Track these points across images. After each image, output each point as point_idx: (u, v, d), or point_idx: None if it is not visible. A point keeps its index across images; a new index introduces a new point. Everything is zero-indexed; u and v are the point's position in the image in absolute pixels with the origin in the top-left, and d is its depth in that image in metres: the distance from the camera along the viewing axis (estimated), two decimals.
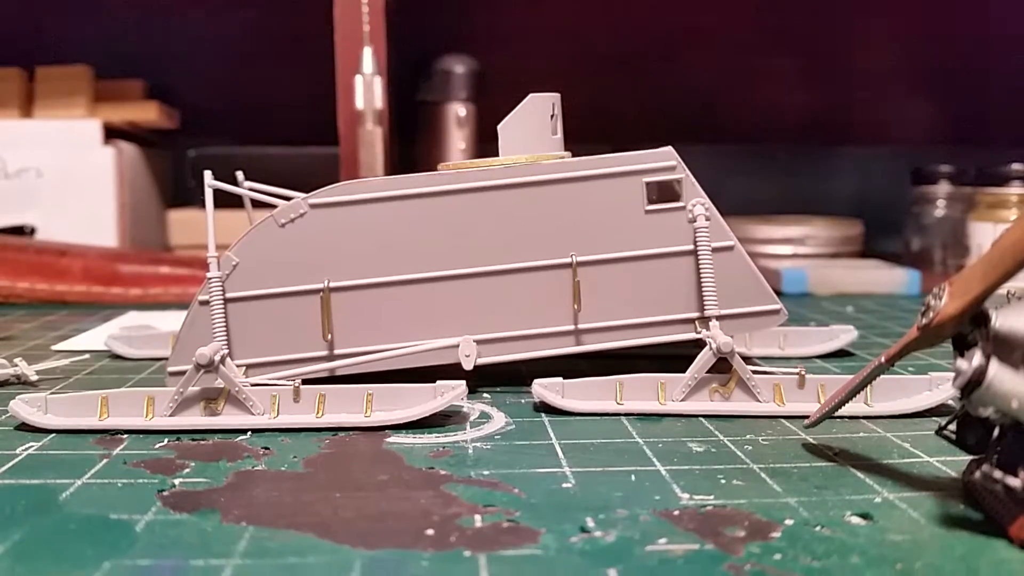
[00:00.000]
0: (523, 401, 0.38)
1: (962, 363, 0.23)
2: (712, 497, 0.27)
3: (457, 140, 0.87)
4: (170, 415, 0.34)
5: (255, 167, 0.91)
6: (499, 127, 0.39)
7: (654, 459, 0.30)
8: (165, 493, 0.28)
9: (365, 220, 0.38)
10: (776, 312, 0.40)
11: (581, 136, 1.01)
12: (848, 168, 1.11)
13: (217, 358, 0.34)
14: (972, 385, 0.22)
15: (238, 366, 0.39)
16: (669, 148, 0.39)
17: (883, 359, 0.28)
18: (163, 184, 0.99)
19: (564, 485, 0.28)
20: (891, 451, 0.31)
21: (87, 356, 0.45)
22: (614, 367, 0.38)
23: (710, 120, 1.05)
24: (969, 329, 0.24)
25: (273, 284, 0.39)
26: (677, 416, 0.36)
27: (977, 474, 0.24)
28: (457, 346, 0.39)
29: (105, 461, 0.30)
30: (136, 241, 0.91)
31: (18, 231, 0.86)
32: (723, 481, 0.28)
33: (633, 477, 0.29)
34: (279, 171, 0.92)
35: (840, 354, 0.47)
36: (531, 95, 0.39)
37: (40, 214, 0.89)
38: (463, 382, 0.35)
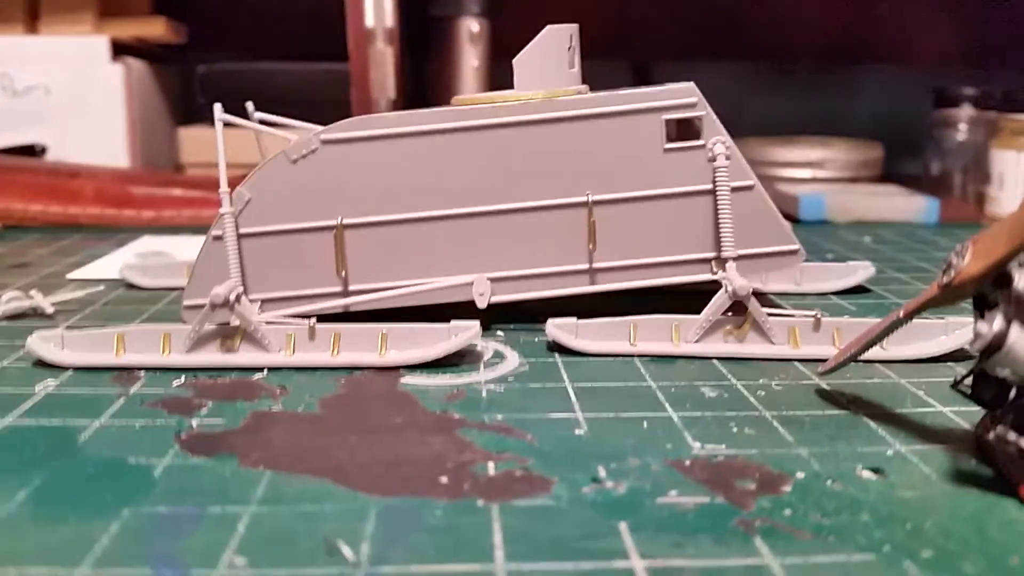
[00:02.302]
0: (536, 340, 0.38)
1: (982, 326, 0.22)
2: (724, 447, 0.27)
3: (470, 57, 0.85)
4: (186, 352, 0.35)
5: (265, 84, 0.91)
6: (514, 61, 0.38)
7: (667, 404, 0.31)
8: (183, 435, 0.28)
9: (378, 156, 0.38)
10: (794, 253, 0.39)
11: (601, 51, 0.99)
12: (870, 87, 1.08)
13: (232, 297, 0.34)
14: (991, 349, 0.22)
15: (252, 301, 0.39)
16: (691, 84, 0.38)
17: (902, 313, 0.28)
18: (173, 100, 0.98)
19: (577, 432, 0.28)
20: (904, 399, 0.31)
21: (102, 287, 0.45)
22: (630, 306, 0.38)
23: (732, 36, 1.03)
24: (991, 289, 0.24)
25: (286, 220, 0.39)
26: (691, 358, 0.36)
27: (991, 434, 0.24)
28: (471, 284, 0.38)
29: (123, 400, 0.31)
30: (147, 159, 0.91)
31: (28, 150, 0.86)
32: (735, 430, 0.28)
33: (645, 424, 0.29)
34: (289, 88, 0.91)
35: (857, 290, 0.47)
36: (548, 27, 0.38)
37: (50, 132, 0.88)
38: (477, 322, 0.35)
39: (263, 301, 0.39)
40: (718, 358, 0.36)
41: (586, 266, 0.39)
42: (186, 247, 0.57)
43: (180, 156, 0.92)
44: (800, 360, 0.35)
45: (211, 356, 0.35)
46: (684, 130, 0.38)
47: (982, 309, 0.24)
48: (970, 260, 0.24)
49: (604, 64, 1.02)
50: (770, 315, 0.36)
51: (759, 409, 0.30)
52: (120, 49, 0.89)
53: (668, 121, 0.38)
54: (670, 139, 0.38)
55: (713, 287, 0.37)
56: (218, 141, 0.38)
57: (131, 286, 0.47)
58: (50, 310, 0.41)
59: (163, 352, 0.35)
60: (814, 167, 0.85)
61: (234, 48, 0.98)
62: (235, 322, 0.35)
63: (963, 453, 0.27)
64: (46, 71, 0.88)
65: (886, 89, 1.08)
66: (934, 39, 1.04)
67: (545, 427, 0.29)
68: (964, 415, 0.29)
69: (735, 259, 0.37)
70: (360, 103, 0.67)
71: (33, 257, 0.55)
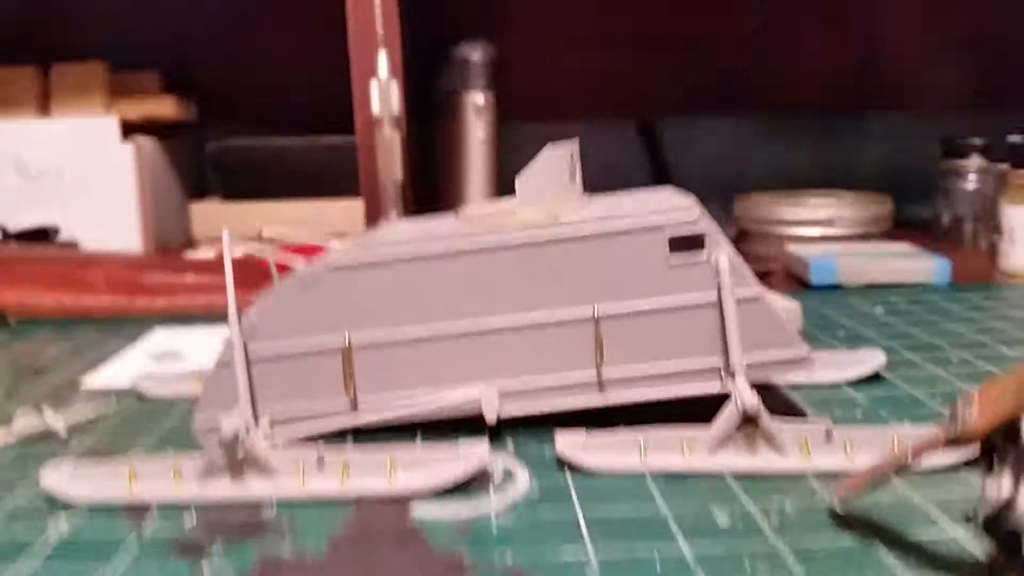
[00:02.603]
0: (547, 452, 0.38)
1: (990, 488, 0.22)
2: None
3: (477, 129, 0.86)
4: (197, 481, 0.35)
5: (273, 159, 0.92)
6: (517, 179, 0.39)
7: (679, 536, 0.30)
8: None
9: (385, 280, 0.38)
10: (803, 360, 0.39)
11: (606, 111, 1.00)
12: (877, 134, 1.09)
13: (241, 434, 0.34)
14: (1001, 513, 0.22)
15: (261, 420, 0.39)
16: (692, 202, 0.38)
17: (909, 459, 0.28)
18: (184, 175, 0.99)
19: None
20: (915, 519, 0.31)
21: (114, 399, 0.45)
22: (641, 406, 0.38)
23: (735, 90, 1.03)
24: (1000, 440, 0.23)
25: (295, 343, 0.39)
26: (701, 475, 0.35)
27: None
28: (479, 399, 0.39)
29: (136, 542, 0.31)
30: (159, 235, 0.92)
31: (42, 233, 0.87)
32: (748, 570, 0.28)
33: (658, 567, 0.29)
34: (298, 162, 0.92)
35: (870, 378, 0.46)
36: (548, 148, 0.39)
37: (62, 213, 0.89)
38: (485, 444, 0.35)
39: (272, 421, 0.39)
40: (730, 473, 0.35)
41: (594, 378, 0.39)
42: (198, 345, 0.57)
43: (192, 230, 0.94)
44: (812, 473, 0.35)
45: (221, 487, 0.35)
46: (688, 243, 0.38)
47: (991, 458, 0.24)
48: (976, 414, 0.24)
49: (609, 124, 1.04)
50: (780, 425, 0.36)
51: (771, 541, 0.30)
52: (130, 128, 0.91)
53: (672, 239, 0.38)
54: (673, 252, 0.38)
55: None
56: (226, 267, 0.39)
57: (143, 397, 0.48)
58: (63, 431, 0.41)
59: (174, 484, 0.35)
60: (823, 225, 0.85)
61: (243, 122, 0.99)
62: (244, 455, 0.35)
63: None
64: (58, 152, 0.89)
65: (893, 135, 1.09)
66: (940, 80, 1.04)
67: (557, 572, 0.28)
68: (974, 542, 0.29)
69: (743, 370, 0.37)
70: (368, 188, 0.68)
71: (49, 359, 0.55)
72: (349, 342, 0.39)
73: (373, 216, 0.69)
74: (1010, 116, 1.02)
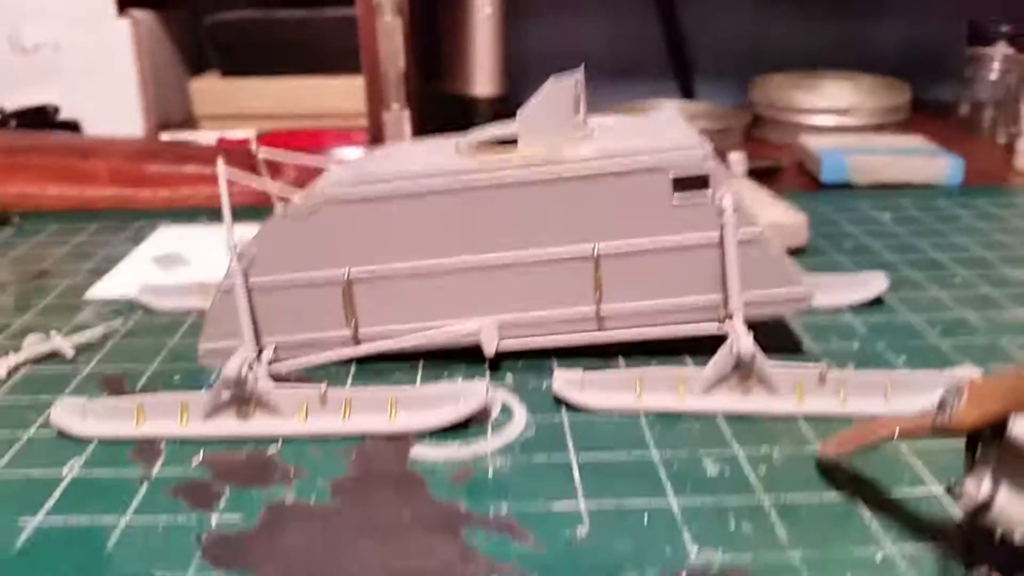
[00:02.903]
0: (544, 387, 0.38)
1: (970, 486, 0.23)
2: (719, 551, 0.28)
3: (483, 4, 0.82)
4: (203, 420, 0.36)
5: (271, 33, 0.89)
6: (518, 115, 0.38)
7: (668, 487, 0.31)
8: (203, 538, 0.29)
9: (382, 213, 0.38)
10: (802, 299, 0.39)
11: None
12: (898, 10, 1.04)
13: (244, 372, 0.35)
14: (979, 510, 0.22)
15: (265, 346, 0.40)
16: (698, 140, 0.37)
17: (895, 434, 0.28)
18: (183, 51, 0.97)
19: (578, 531, 0.29)
20: (901, 475, 0.32)
21: (119, 320, 0.46)
22: (639, 345, 0.38)
23: None
24: (986, 437, 0.24)
25: (294, 272, 0.39)
26: (695, 415, 0.36)
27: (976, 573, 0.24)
28: (479, 332, 0.39)
29: (145, 487, 0.32)
30: (161, 114, 0.90)
31: (41, 112, 0.86)
32: (732, 527, 0.29)
33: (646, 519, 0.30)
34: (296, 36, 0.89)
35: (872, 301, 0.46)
36: (551, 80, 0.37)
37: (61, 91, 0.88)
38: (484, 382, 0.36)
39: (276, 346, 0.40)
40: (723, 414, 0.36)
41: (593, 314, 0.39)
42: (202, 246, 0.57)
43: (193, 108, 0.92)
44: (805, 416, 0.36)
45: (227, 425, 0.36)
46: (693, 182, 0.37)
47: (974, 450, 0.24)
48: (964, 407, 0.24)
49: None
50: (774, 368, 0.36)
51: (757, 495, 0.31)
52: (126, 1, 0.88)
53: (676, 179, 0.37)
54: (677, 190, 0.37)
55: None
56: (223, 201, 0.38)
57: (147, 309, 0.48)
58: (70, 354, 0.42)
59: (181, 422, 0.36)
60: (838, 114, 0.83)
61: None
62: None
63: (952, 559, 0.27)
64: (54, 27, 0.87)
65: (917, 11, 1.04)
66: None
67: (548, 525, 0.30)
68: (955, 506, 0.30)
69: (741, 313, 0.37)
70: (370, 76, 0.66)
71: (51, 263, 0.56)
72: (349, 277, 0.39)
73: (375, 106, 0.68)
74: None
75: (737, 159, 0.72)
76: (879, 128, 0.81)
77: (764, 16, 1.03)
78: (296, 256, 0.39)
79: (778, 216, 0.54)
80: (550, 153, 0.37)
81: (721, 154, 0.73)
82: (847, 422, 0.35)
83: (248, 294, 0.39)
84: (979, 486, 0.22)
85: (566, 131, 0.38)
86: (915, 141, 0.75)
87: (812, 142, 0.75)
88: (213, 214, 0.65)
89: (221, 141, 0.83)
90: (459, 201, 0.38)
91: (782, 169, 0.72)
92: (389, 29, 0.65)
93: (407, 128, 0.68)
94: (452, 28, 0.83)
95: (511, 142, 0.39)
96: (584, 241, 0.38)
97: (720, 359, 0.36)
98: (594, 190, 0.37)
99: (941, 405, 0.25)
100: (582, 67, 0.39)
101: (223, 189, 0.39)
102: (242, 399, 0.36)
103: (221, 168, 0.39)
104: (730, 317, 0.37)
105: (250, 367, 0.36)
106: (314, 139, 0.83)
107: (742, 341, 0.36)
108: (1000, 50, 0.83)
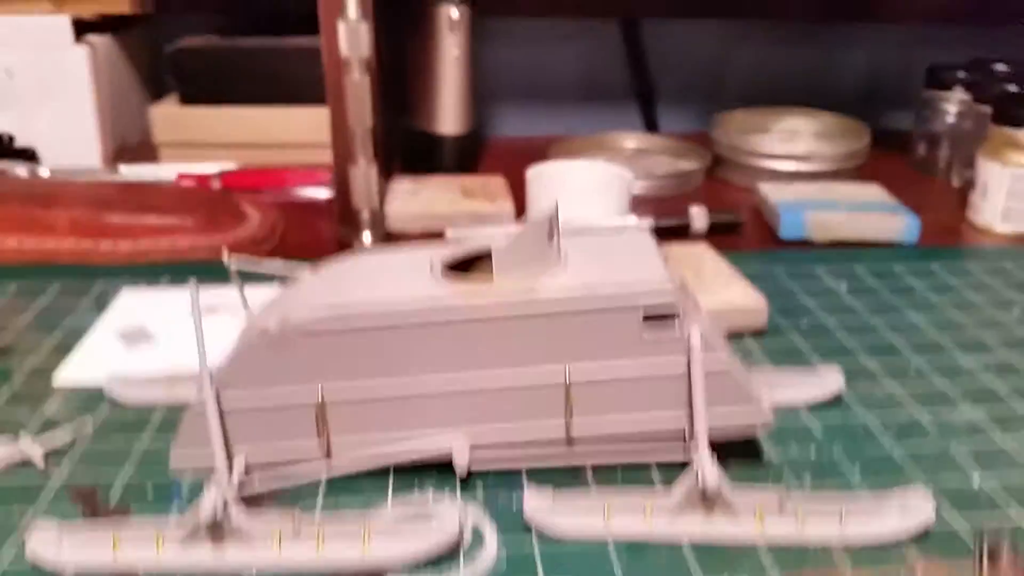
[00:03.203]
0: (514, 501, 0.39)
1: None
2: None
3: (450, 46, 0.82)
4: (179, 548, 0.36)
5: (234, 61, 0.88)
6: (493, 251, 0.38)
7: None
8: None
9: (357, 342, 0.38)
10: (766, 425, 0.41)
11: (590, 8, 0.96)
12: (861, 43, 1.06)
13: (219, 514, 0.36)
14: None
15: (236, 456, 0.40)
16: (668, 279, 0.38)
17: None
18: (143, 75, 0.95)
19: None
20: None
21: (89, 422, 0.46)
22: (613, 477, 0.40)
23: None
24: None
25: (266, 393, 0.39)
26: (660, 543, 0.37)
27: None
28: (451, 450, 0.40)
29: None
30: (119, 140, 0.89)
31: None
32: None
33: None
34: (259, 65, 0.88)
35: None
36: (528, 221, 0.38)
37: (16, 118, 0.86)
38: (455, 510, 0.37)
39: (248, 466, 0.41)
40: (687, 542, 0.37)
41: (563, 434, 0.40)
42: (165, 314, 0.57)
43: (153, 135, 0.90)
44: (766, 544, 0.37)
45: (201, 555, 0.36)
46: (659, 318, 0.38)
47: None
48: None
49: (593, 22, 0.99)
50: (737, 493, 0.38)
51: None
52: (84, 26, 0.86)
53: (647, 315, 0.38)
54: (647, 324, 0.38)
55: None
56: (196, 325, 0.38)
57: (114, 403, 0.48)
58: (41, 463, 0.42)
59: (157, 550, 0.36)
60: (798, 160, 0.84)
61: (205, 12, 0.94)
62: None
63: None
64: (7, 52, 0.85)
65: (877, 45, 1.06)
66: None
67: None
68: None
69: (707, 445, 0.38)
70: (336, 132, 0.66)
71: (14, 335, 0.55)
72: (323, 399, 0.39)
73: (341, 162, 0.67)
74: (996, 35, 1.00)
75: (698, 213, 0.74)
76: (837, 174, 0.83)
77: (730, 45, 1.04)
78: (268, 378, 0.39)
79: (738, 299, 0.55)
80: (525, 289, 0.38)
81: (683, 201, 0.74)
82: (804, 548, 0.37)
83: (220, 414, 0.39)
84: None
85: (540, 263, 0.38)
86: (873, 193, 0.77)
87: (771, 193, 0.76)
88: (174, 274, 0.64)
89: (181, 176, 0.82)
90: (435, 332, 0.38)
91: (742, 224, 0.74)
92: (357, 89, 0.64)
93: (374, 184, 0.67)
94: (420, 68, 0.83)
95: (487, 258, 0.40)
96: (556, 368, 0.39)
97: (686, 488, 0.38)
98: (568, 324, 0.38)
99: None
100: (556, 204, 0.39)
101: (196, 318, 0.38)
102: (216, 530, 0.36)
103: (192, 289, 0.39)
104: (696, 445, 0.38)
105: (224, 503, 0.36)
106: (278, 178, 0.83)
107: (707, 473, 0.37)
108: (956, 95, 0.85)
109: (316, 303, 0.39)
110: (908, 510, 0.37)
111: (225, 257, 0.42)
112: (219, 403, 0.39)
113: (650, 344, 0.39)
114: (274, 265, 0.44)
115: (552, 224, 0.39)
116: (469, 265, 0.42)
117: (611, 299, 0.38)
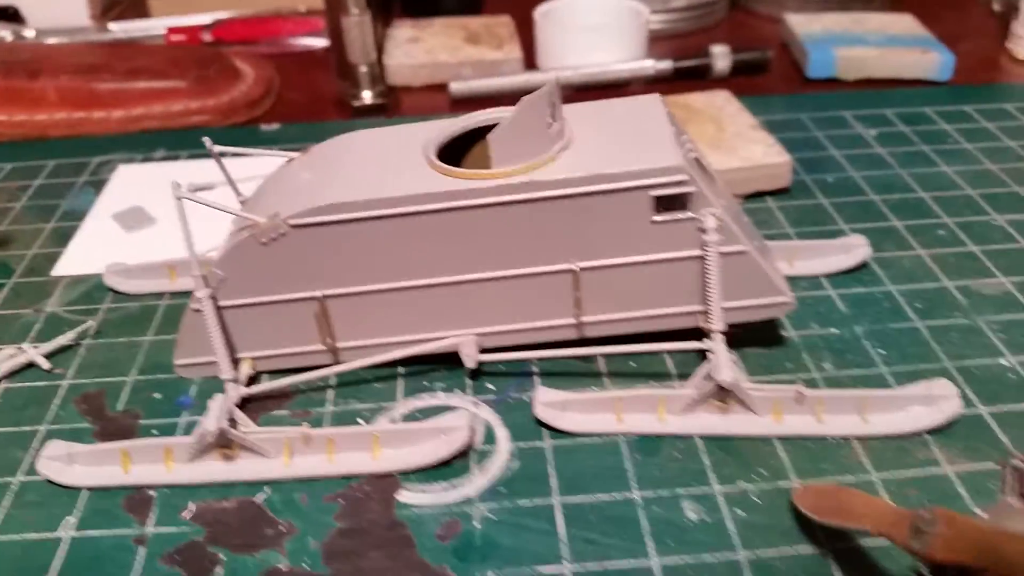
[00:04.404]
0: (524, 396, 0.39)
1: None
2: None
3: None
4: (189, 464, 0.36)
5: None
6: (489, 138, 0.35)
7: (649, 540, 0.32)
8: None
9: (350, 236, 0.36)
10: (786, 304, 0.39)
11: None
12: None
13: (224, 424, 0.35)
14: None
15: (243, 359, 0.40)
16: (680, 161, 0.35)
17: (878, 533, 0.28)
18: None
19: None
20: None
21: (90, 323, 0.45)
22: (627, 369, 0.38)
23: None
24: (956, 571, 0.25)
25: (265, 293, 0.38)
26: (676, 436, 0.37)
27: None
28: (458, 346, 0.39)
29: (143, 553, 0.33)
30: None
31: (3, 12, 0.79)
32: None
33: None
34: None
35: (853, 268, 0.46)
36: (524, 100, 0.35)
37: None
38: (465, 422, 0.36)
39: (254, 359, 0.40)
40: (701, 436, 0.37)
41: (573, 325, 0.39)
42: (163, 193, 0.55)
43: None
44: (782, 437, 0.36)
45: (213, 469, 0.36)
46: (673, 202, 0.36)
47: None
48: (937, 542, 0.24)
49: None
50: (753, 390, 0.36)
51: (736, 546, 0.32)
52: None
53: (656, 197, 0.35)
54: (658, 211, 0.36)
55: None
56: (183, 225, 0.37)
57: (116, 291, 0.47)
58: (46, 366, 0.42)
59: (168, 466, 0.36)
60: None
61: None
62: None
63: None
64: None
65: None
66: None
67: None
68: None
69: (723, 339, 0.37)
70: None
71: (12, 221, 0.54)
72: (323, 296, 0.38)
73: (334, 12, 0.63)
74: None
75: (721, 53, 0.69)
76: (867, 4, 0.77)
77: None
78: (266, 277, 0.38)
79: (761, 157, 0.52)
80: (526, 174, 0.35)
81: (705, 38, 0.69)
82: (823, 441, 0.36)
83: (219, 313, 0.38)
84: None
85: (541, 145, 0.36)
86: (905, 24, 0.71)
87: (799, 26, 0.71)
88: (169, 145, 0.62)
89: (172, 31, 0.78)
90: (432, 223, 0.36)
91: (767, 63, 0.69)
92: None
93: (369, 36, 0.63)
94: None
95: (484, 132, 0.37)
96: (562, 259, 0.37)
97: (701, 382, 0.36)
98: (572, 210, 0.36)
99: (916, 530, 0.25)
100: (555, 78, 0.36)
101: (183, 217, 0.37)
102: (226, 442, 0.36)
103: (175, 189, 0.37)
104: (711, 334, 0.37)
105: (229, 416, 0.36)
106: (271, 27, 0.78)
107: (724, 369, 0.36)
108: None
109: (307, 195, 0.37)
110: (932, 402, 0.36)
111: (208, 144, 0.40)
112: (217, 306, 0.38)
113: (662, 228, 0.36)
114: (259, 151, 0.41)
115: (553, 100, 0.35)
116: (466, 145, 0.40)
117: (618, 181, 0.35)
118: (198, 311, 0.38)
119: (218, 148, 0.40)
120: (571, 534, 0.33)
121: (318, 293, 0.38)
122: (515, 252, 0.37)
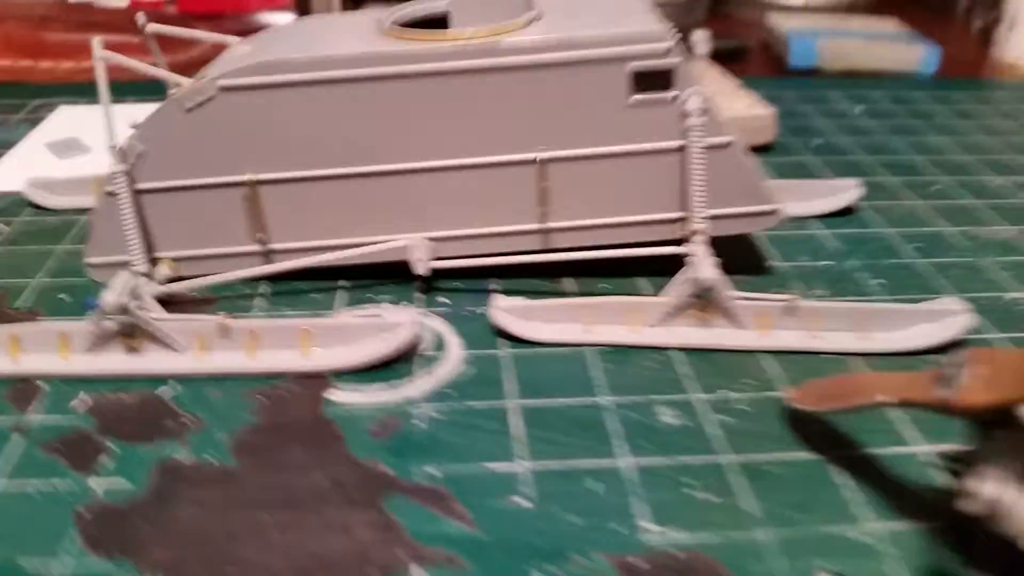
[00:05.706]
0: (482, 313, 0.34)
1: (975, 485, 0.19)
2: (676, 529, 0.25)
3: None
4: (87, 352, 0.31)
5: None
6: (451, 3, 0.32)
7: (618, 446, 0.28)
8: (83, 511, 0.25)
9: (288, 106, 0.32)
10: (772, 213, 0.35)
11: None
12: None
13: (125, 300, 0.30)
14: (988, 516, 0.19)
15: (162, 259, 0.35)
16: (663, 27, 0.32)
17: (896, 399, 0.24)
18: None
19: (518, 502, 0.26)
20: (879, 430, 0.28)
21: (4, 226, 0.40)
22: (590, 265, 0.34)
23: None
24: (991, 423, 0.20)
25: (189, 174, 0.34)
26: (650, 348, 0.32)
27: None
28: (407, 247, 0.34)
29: (20, 440, 0.28)
30: None
31: None
32: (692, 495, 0.26)
33: (595, 487, 0.26)
34: None
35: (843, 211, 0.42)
36: None
37: None
38: (413, 313, 0.32)
39: (176, 259, 0.35)
40: (679, 348, 0.32)
41: (537, 230, 0.35)
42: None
43: None
44: (769, 351, 0.32)
45: (114, 360, 0.31)
46: (654, 81, 0.32)
47: (983, 430, 0.21)
48: (974, 385, 0.20)
49: None
50: (739, 299, 0.32)
51: (719, 453, 0.27)
52: None
53: (635, 73, 0.32)
54: (636, 90, 0.32)
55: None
56: (101, 88, 0.32)
57: (36, 206, 0.42)
58: None
59: (62, 355, 0.31)
60: None
61: None
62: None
63: (935, 537, 0.24)
64: None
65: None
66: None
67: (483, 491, 0.26)
68: (940, 466, 0.27)
69: (705, 235, 0.33)
70: None
71: None
72: (254, 180, 0.33)
73: None
74: None
75: (701, 38, 0.66)
76: (850, 9, 0.76)
77: None
78: (191, 154, 0.33)
79: (744, 109, 0.49)
80: (488, 39, 0.32)
81: (684, 31, 0.67)
82: (814, 358, 0.32)
83: (136, 199, 0.33)
84: (984, 490, 0.19)
85: (507, 12, 0.32)
86: (888, 25, 0.70)
87: (780, 22, 0.69)
88: (122, 91, 0.58)
89: (134, 1, 0.75)
90: (380, 93, 0.32)
91: (748, 50, 0.67)
92: None
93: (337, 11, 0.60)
94: None
95: (442, 22, 0.33)
96: (526, 145, 0.33)
97: (679, 286, 0.32)
98: (539, 84, 0.32)
99: (943, 378, 0.21)
100: None
101: (100, 76, 0.32)
102: (131, 330, 0.31)
103: (97, 51, 0.32)
104: (692, 236, 0.33)
105: (134, 293, 0.31)
106: (237, 1, 0.75)
107: (704, 268, 0.32)
108: None
109: (243, 61, 0.33)
110: (940, 318, 0.32)
111: (140, 19, 0.36)
112: (134, 188, 0.33)
113: (639, 113, 0.32)
114: (197, 32, 0.38)
115: None
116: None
117: (592, 52, 0.31)
118: (112, 194, 0.33)
119: (152, 27, 0.36)
120: (530, 434, 0.28)
121: (249, 177, 0.33)
122: (474, 136, 0.33)
